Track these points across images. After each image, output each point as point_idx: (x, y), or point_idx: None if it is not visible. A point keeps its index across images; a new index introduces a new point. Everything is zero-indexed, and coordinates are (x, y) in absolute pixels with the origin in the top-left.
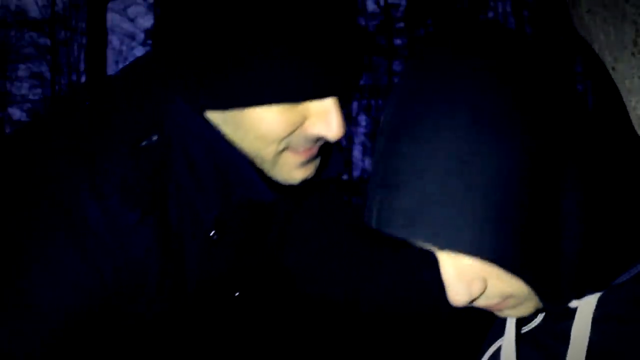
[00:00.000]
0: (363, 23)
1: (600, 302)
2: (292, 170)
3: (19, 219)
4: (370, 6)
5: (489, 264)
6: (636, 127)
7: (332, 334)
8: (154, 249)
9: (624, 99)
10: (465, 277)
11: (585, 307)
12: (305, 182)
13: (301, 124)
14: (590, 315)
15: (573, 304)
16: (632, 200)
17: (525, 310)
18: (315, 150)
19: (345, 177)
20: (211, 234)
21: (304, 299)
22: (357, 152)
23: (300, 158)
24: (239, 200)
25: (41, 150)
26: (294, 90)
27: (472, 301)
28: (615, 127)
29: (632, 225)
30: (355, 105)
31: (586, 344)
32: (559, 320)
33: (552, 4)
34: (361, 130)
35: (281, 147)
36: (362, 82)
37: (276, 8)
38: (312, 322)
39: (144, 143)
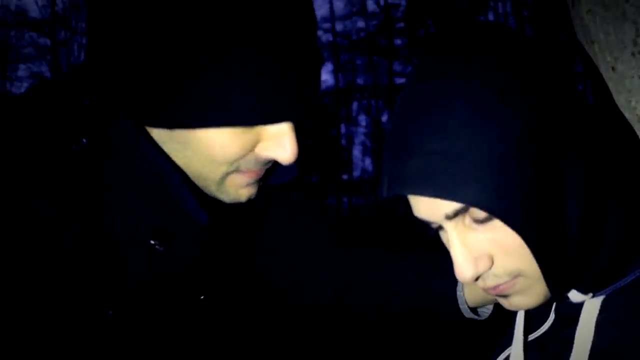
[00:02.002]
0: (363, 23)
1: (603, 306)
2: (238, 189)
3: None
4: (370, 6)
5: (494, 229)
6: (636, 127)
7: (313, 339)
8: (79, 253)
9: (624, 99)
10: (472, 252)
11: (589, 311)
12: (250, 200)
13: (254, 146)
14: (594, 320)
15: (575, 297)
16: (631, 190)
17: (533, 297)
18: (262, 171)
19: (345, 177)
20: (153, 244)
21: (284, 304)
22: (357, 152)
23: (247, 179)
24: (184, 214)
25: None
26: (250, 114)
27: (479, 279)
28: (613, 120)
29: (632, 216)
30: (355, 105)
31: (589, 348)
32: (565, 326)
33: (552, 4)
34: (361, 130)
35: (231, 169)
36: (362, 82)
37: (234, 29)
38: (292, 326)
39: (74, 147)
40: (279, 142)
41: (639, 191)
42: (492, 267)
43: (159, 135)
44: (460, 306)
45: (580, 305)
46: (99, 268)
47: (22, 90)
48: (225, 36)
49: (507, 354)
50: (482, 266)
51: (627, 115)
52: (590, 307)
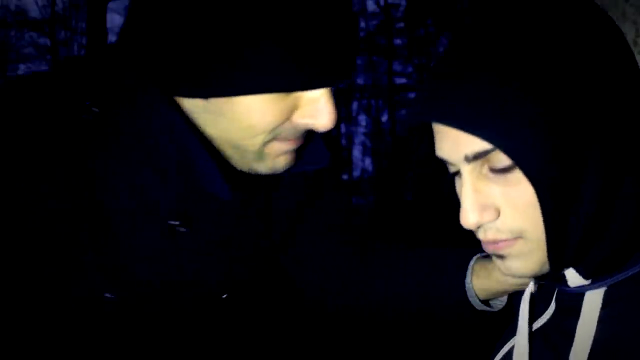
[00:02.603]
0: (363, 23)
1: (605, 300)
2: (275, 157)
3: None
4: (370, 6)
5: (508, 183)
6: None
7: (314, 339)
8: (80, 229)
9: None
10: (480, 199)
11: (591, 305)
12: (284, 173)
13: (292, 113)
14: (597, 314)
15: (574, 279)
16: None
17: (530, 265)
18: (301, 140)
19: (345, 177)
20: (174, 225)
21: (305, 302)
22: (357, 152)
23: (286, 146)
24: (208, 194)
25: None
26: (288, 79)
27: (480, 230)
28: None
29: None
30: (355, 105)
31: (590, 342)
32: (566, 317)
33: None
34: (361, 130)
35: (269, 137)
36: (362, 82)
37: None
38: (312, 326)
39: (84, 116)
40: (316, 108)
41: None
42: (497, 221)
43: (193, 106)
44: (470, 298)
45: (580, 296)
46: (99, 247)
47: None
48: (264, 5)
49: (511, 345)
50: (487, 216)
51: None
52: (593, 301)
